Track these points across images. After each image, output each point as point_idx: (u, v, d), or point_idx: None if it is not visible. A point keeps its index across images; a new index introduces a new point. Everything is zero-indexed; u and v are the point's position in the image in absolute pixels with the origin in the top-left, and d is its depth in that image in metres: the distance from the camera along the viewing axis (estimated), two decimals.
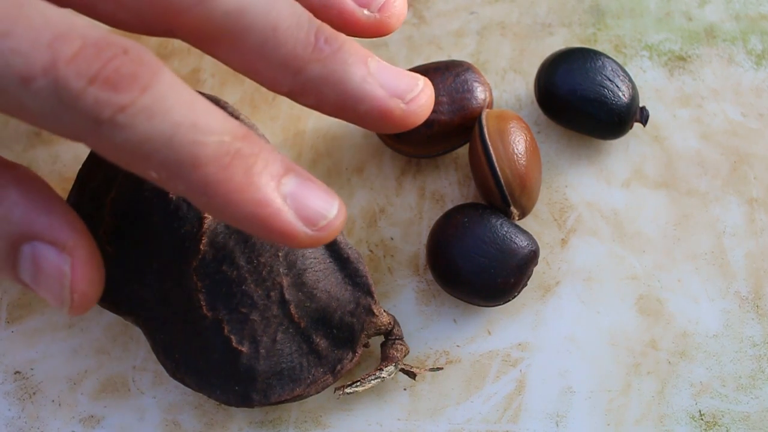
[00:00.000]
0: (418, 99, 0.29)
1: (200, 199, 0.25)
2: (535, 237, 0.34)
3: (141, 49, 0.25)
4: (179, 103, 0.24)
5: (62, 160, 0.37)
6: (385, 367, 0.32)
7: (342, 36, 0.28)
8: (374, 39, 0.38)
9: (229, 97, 0.37)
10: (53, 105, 0.24)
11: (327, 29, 0.28)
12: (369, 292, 0.32)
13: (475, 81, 0.35)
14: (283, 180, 0.26)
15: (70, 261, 0.27)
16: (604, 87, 0.35)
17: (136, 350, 0.34)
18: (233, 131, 0.25)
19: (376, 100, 0.28)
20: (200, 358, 0.32)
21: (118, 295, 0.32)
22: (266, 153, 0.26)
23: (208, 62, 0.38)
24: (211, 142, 0.25)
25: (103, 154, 0.25)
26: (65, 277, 0.27)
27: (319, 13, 0.29)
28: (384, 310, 0.32)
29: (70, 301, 0.27)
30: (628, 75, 0.36)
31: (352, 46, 0.28)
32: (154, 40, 0.38)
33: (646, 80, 0.38)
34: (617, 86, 0.35)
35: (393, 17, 0.30)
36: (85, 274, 0.27)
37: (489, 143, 0.33)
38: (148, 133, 0.24)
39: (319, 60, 0.28)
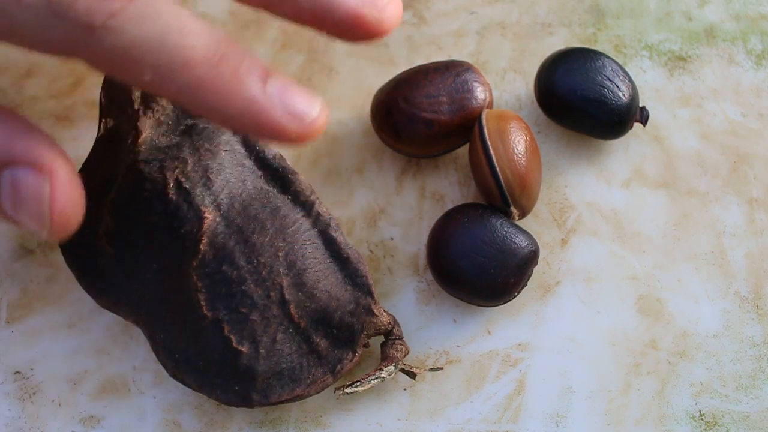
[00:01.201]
0: (390, 5, 0.29)
1: (192, 99, 0.26)
2: (535, 237, 0.34)
3: None
4: (167, 10, 0.26)
5: None
6: (385, 367, 0.32)
7: None
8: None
9: None
10: (46, 17, 0.25)
11: None
12: (369, 292, 0.32)
13: (475, 81, 0.35)
14: (268, 81, 0.27)
15: (49, 181, 0.27)
16: (604, 87, 0.35)
17: (136, 350, 0.34)
18: (218, 38, 0.27)
19: (349, 5, 0.28)
20: (200, 358, 0.32)
21: (118, 295, 0.32)
22: (249, 57, 0.27)
23: None
24: (199, 45, 0.26)
25: (96, 65, 0.26)
26: (44, 198, 0.27)
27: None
28: (384, 310, 0.32)
29: (50, 223, 0.27)
30: (628, 75, 0.36)
31: None
32: None
33: (646, 80, 0.38)
34: (617, 86, 0.35)
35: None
36: (65, 193, 0.27)
37: (489, 143, 0.33)
38: (139, 36, 0.25)
39: None
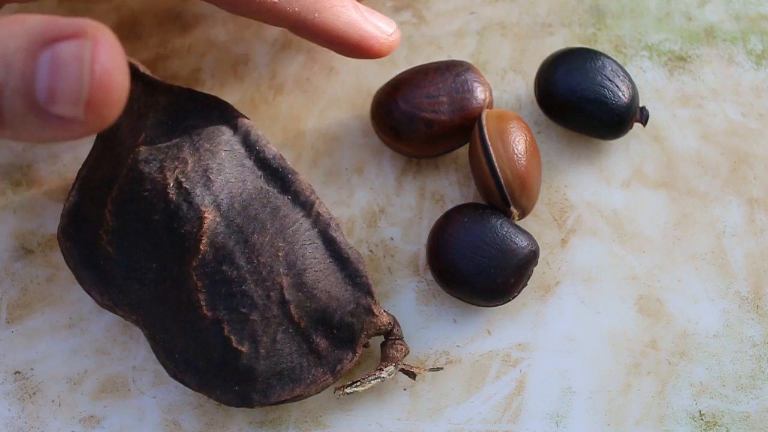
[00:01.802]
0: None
1: (311, 15, 0.32)
2: (535, 237, 0.34)
3: None
4: None
5: (62, 160, 0.37)
6: (385, 367, 0.32)
7: None
8: None
9: (229, 97, 0.37)
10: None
11: None
12: (369, 292, 0.32)
13: (475, 81, 0.35)
14: (358, 6, 0.34)
15: (91, 44, 0.25)
16: (604, 87, 0.35)
17: (136, 350, 0.34)
18: None
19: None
20: (200, 358, 0.32)
21: (119, 295, 0.32)
22: None
23: (209, 62, 0.38)
24: None
25: None
26: (85, 60, 0.25)
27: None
28: (384, 310, 0.32)
29: (89, 90, 0.25)
30: (628, 75, 0.36)
31: None
32: (153, 41, 0.38)
33: (646, 80, 0.38)
34: (617, 86, 0.35)
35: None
36: (109, 53, 0.25)
37: (489, 143, 0.33)
38: None
39: None
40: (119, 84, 0.25)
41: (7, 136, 0.26)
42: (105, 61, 0.25)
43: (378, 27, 0.34)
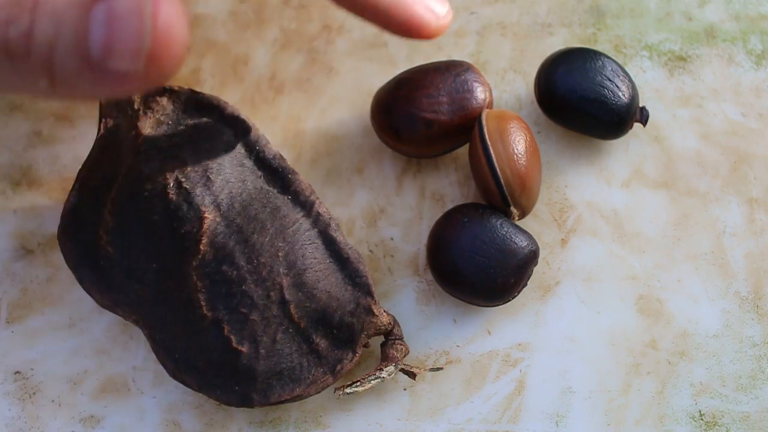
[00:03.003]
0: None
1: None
2: (535, 237, 0.34)
3: None
4: None
5: (62, 160, 0.37)
6: (385, 367, 0.32)
7: None
8: (375, 39, 0.38)
9: (229, 97, 0.37)
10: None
11: None
12: (369, 292, 0.32)
13: (475, 81, 0.35)
14: None
15: None
16: (604, 87, 0.35)
17: (136, 350, 0.34)
18: None
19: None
20: (200, 358, 0.32)
21: (119, 295, 0.32)
22: None
23: (208, 62, 0.38)
24: None
25: None
26: (146, 13, 0.24)
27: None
28: (384, 310, 0.32)
29: (151, 45, 0.24)
30: (628, 75, 0.36)
31: None
32: None
33: (646, 80, 0.38)
34: (617, 86, 0.35)
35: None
36: (170, 6, 0.24)
37: (489, 143, 0.33)
38: None
39: None
40: (182, 37, 0.24)
41: (62, 93, 0.25)
42: (167, 15, 0.24)
43: (429, 7, 0.32)
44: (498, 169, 0.33)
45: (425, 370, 0.33)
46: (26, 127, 0.37)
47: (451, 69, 0.35)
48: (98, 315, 0.35)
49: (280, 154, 0.33)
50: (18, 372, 0.34)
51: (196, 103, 0.33)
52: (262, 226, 0.32)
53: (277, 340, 0.31)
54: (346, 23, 0.39)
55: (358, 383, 0.32)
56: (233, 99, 0.37)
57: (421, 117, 0.34)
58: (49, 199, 0.36)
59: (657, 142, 0.37)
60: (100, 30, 0.24)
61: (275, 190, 0.33)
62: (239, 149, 0.33)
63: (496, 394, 0.34)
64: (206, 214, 0.32)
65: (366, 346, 0.33)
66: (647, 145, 0.37)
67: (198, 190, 0.32)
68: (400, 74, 0.36)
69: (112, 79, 0.24)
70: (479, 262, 0.33)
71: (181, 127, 0.33)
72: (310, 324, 0.32)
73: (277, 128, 0.37)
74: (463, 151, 0.37)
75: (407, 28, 0.32)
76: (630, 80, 0.36)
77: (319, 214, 0.33)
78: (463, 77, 0.35)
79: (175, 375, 0.32)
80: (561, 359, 0.34)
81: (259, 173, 0.33)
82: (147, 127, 0.33)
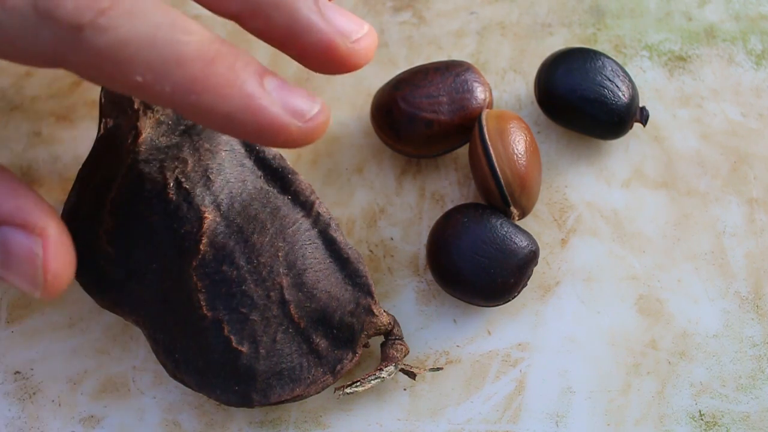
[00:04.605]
0: (364, 40, 0.28)
1: (188, 98, 0.25)
2: (535, 237, 0.34)
3: None
4: (156, 6, 0.25)
5: (62, 160, 0.37)
6: (385, 367, 0.32)
7: None
8: None
9: None
10: (31, 20, 0.24)
11: None
12: (369, 292, 0.32)
13: (475, 81, 0.35)
14: (264, 79, 0.26)
15: (41, 242, 0.27)
16: (604, 87, 0.35)
17: (136, 350, 0.34)
18: (210, 35, 0.26)
19: (323, 32, 0.27)
20: (200, 358, 0.32)
21: (119, 295, 0.32)
22: (244, 54, 0.26)
23: None
24: (192, 40, 0.25)
25: (85, 70, 0.25)
26: (37, 259, 0.27)
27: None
28: (384, 310, 0.33)
29: (43, 283, 0.27)
30: (628, 75, 0.36)
31: None
32: None
33: (646, 80, 0.38)
34: (617, 86, 0.35)
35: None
36: (58, 254, 0.27)
37: (489, 143, 0.33)
38: (130, 33, 0.24)
39: None
40: (69, 275, 0.28)
41: None
42: (56, 264, 0.27)
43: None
44: (498, 169, 0.33)
45: (425, 370, 0.33)
46: (26, 127, 0.37)
47: (451, 69, 0.35)
48: (98, 315, 0.35)
49: (280, 154, 0.33)
50: (18, 372, 0.34)
51: None
52: (262, 226, 0.32)
53: (277, 340, 0.31)
54: None
55: (358, 383, 0.32)
56: None
57: (421, 117, 0.34)
58: (49, 199, 0.36)
59: (657, 142, 0.37)
60: None
61: (275, 190, 0.33)
62: (239, 149, 0.33)
63: (496, 394, 0.34)
64: (206, 214, 0.32)
65: (366, 346, 0.33)
66: (647, 145, 0.37)
67: (198, 190, 0.32)
68: (400, 74, 0.36)
69: (12, 285, 0.27)
70: (479, 262, 0.33)
71: (181, 127, 0.33)
72: (310, 324, 0.32)
73: None
74: (463, 151, 0.37)
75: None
76: (630, 80, 0.36)
77: (319, 214, 0.33)
78: (463, 77, 0.35)
79: (175, 375, 0.32)
80: (561, 359, 0.34)
81: (259, 173, 0.33)
82: (147, 127, 0.33)
